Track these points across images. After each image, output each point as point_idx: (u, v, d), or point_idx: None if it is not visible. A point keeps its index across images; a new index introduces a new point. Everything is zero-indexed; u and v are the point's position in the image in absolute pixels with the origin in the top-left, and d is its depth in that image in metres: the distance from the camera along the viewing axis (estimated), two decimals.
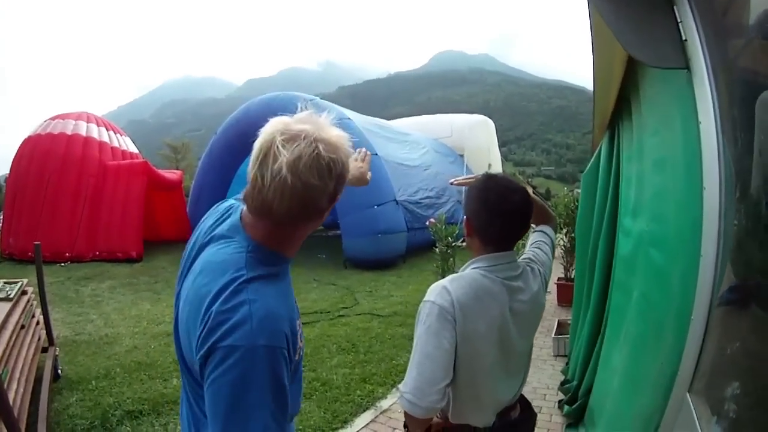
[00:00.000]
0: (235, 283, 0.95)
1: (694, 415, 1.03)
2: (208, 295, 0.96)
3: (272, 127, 0.98)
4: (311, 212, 1.00)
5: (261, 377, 0.90)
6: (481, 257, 1.41)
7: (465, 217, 1.45)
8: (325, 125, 1.00)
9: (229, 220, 1.08)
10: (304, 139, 0.94)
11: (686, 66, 1.32)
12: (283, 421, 0.95)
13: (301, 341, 1.05)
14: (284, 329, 0.96)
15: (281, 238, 1.04)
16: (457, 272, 1.46)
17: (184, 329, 1.02)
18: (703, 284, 1.13)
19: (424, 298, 1.31)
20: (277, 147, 0.93)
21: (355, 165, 1.59)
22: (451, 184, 1.94)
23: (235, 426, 0.89)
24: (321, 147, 0.94)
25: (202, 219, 1.18)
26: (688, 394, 1.11)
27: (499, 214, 1.37)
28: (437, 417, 1.42)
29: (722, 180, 1.10)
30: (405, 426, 1.43)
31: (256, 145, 0.98)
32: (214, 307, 0.93)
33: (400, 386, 1.22)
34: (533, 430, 1.60)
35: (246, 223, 1.05)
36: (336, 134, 1.00)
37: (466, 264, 1.43)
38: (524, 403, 1.57)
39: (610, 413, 2.07)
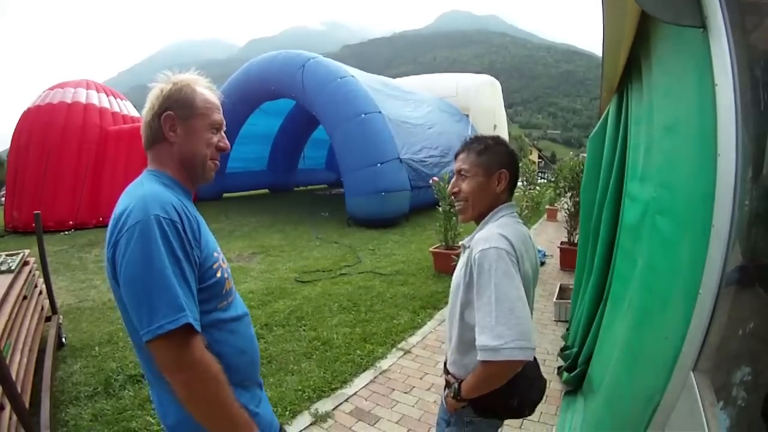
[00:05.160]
0: (132, 190, 1.12)
1: (698, 398, 0.98)
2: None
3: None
4: (149, 131, 1.21)
5: (160, 244, 1.01)
6: (505, 205, 1.50)
7: (502, 171, 1.48)
8: (186, 74, 1.24)
9: None
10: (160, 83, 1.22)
11: (702, 24, 1.21)
12: (189, 290, 1.04)
13: (223, 263, 1.22)
14: (175, 206, 1.08)
15: (154, 161, 1.22)
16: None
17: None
18: (713, 257, 1.05)
19: (480, 248, 1.32)
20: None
21: None
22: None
23: (158, 296, 0.98)
24: (162, 84, 1.21)
25: None
26: (692, 373, 1.06)
27: (517, 165, 1.55)
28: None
29: (739, 146, 1.00)
30: (456, 397, 1.42)
31: None
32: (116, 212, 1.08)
33: (489, 342, 1.21)
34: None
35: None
36: (187, 75, 1.24)
37: (494, 212, 1.49)
38: None
39: (609, 386, 2.05)
